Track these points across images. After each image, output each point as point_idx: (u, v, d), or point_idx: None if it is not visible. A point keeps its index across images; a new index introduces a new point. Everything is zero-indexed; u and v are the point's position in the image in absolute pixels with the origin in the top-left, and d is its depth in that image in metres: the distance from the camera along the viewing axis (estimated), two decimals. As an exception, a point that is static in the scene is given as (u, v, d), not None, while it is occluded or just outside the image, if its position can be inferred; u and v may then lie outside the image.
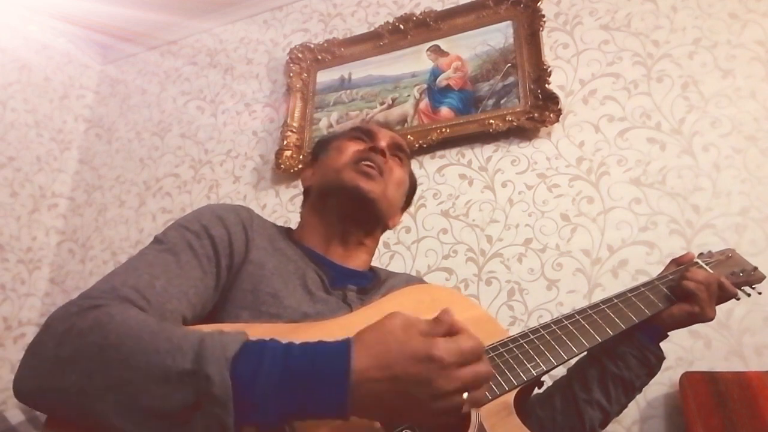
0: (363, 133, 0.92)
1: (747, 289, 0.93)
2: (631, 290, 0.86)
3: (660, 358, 0.86)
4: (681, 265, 0.92)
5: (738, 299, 0.91)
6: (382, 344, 0.50)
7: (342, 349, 0.50)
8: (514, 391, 0.66)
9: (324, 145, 0.96)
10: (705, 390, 1.10)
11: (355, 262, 0.87)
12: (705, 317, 0.84)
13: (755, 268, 0.94)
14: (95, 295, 0.59)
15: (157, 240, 0.71)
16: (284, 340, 0.52)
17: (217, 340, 0.50)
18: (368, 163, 0.85)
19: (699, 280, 0.84)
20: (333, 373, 0.48)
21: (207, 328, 0.55)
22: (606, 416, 0.84)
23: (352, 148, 0.89)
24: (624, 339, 0.84)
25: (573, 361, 0.84)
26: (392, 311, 0.53)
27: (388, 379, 0.48)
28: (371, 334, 0.51)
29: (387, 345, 0.49)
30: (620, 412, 0.86)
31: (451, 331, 0.52)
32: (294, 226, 0.95)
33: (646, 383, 0.87)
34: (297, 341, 0.52)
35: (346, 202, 0.85)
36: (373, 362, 0.48)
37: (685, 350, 1.25)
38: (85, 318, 0.55)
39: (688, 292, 0.84)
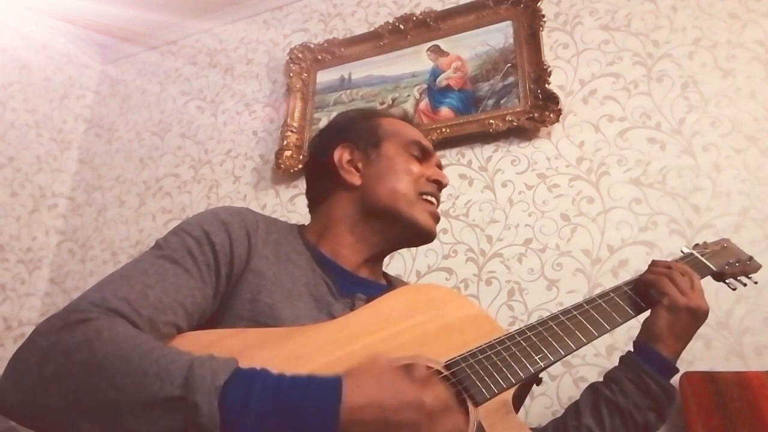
0: (422, 150, 0.87)
1: (743, 278, 0.92)
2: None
3: (664, 388, 0.76)
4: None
5: (734, 289, 0.91)
6: (375, 386, 0.50)
7: (334, 385, 0.49)
8: (512, 389, 0.65)
9: (375, 139, 0.85)
10: (705, 390, 1.10)
11: (367, 272, 0.84)
12: (678, 304, 0.77)
13: (751, 258, 0.94)
14: (83, 308, 0.56)
15: (157, 245, 0.68)
16: (275, 371, 0.51)
17: (207, 367, 0.49)
18: (435, 202, 0.86)
19: (658, 270, 0.81)
20: (324, 409, 0.48)
21: (198, 347, 0.53)
22: None
23: (416, 168, 0.84)
24: (620, 361, 0.80)
25: (569, 359, 0.83)
26: (374, 353, 0.54)
27: (379, 420, 0.48)
28: (364, 374, 0.51)
29: (380, 387, 0.50)
30: None
31: (424, 377, 0.54)
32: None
33: (652, 421, 0.76)
34: (288, 373, 0.51)
35: (409, 237, 0.84)
36: (366, 402, 0.49)
37: (685, 350, 1.24)
38: (72, 333, 0.53)
39: (649, 282, 0.80)
